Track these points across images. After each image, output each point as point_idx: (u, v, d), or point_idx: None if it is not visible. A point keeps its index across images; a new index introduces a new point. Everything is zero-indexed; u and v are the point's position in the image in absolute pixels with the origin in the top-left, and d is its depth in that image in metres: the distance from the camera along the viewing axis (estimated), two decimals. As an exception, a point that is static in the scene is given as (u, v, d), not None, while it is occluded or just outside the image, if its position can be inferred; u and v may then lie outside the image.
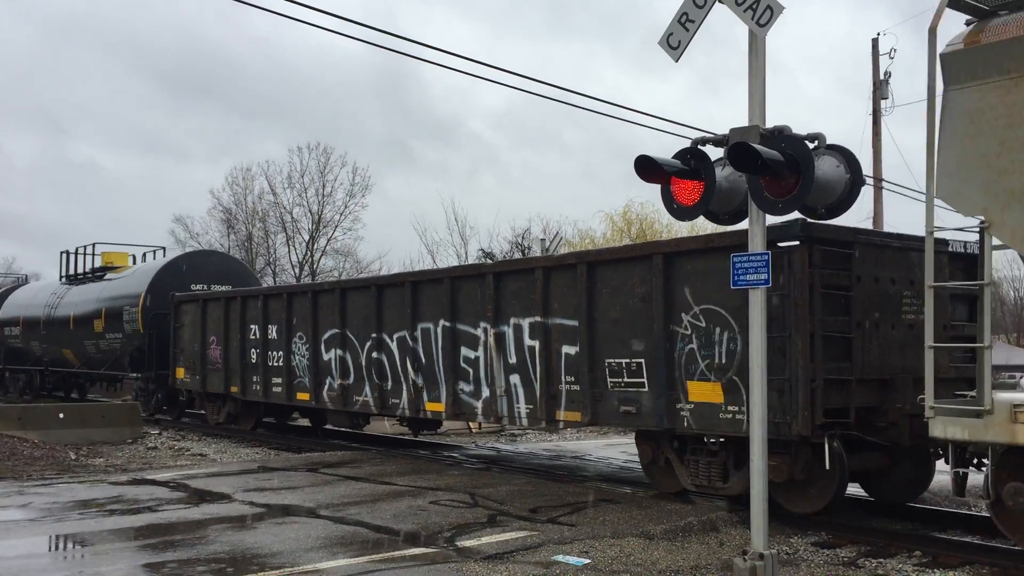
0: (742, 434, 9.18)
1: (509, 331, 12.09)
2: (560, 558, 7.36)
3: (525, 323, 11.88)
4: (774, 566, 6.25)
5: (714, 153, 6.78)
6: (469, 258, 38.65)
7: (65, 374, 27.28)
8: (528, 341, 11.83)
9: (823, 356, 8.88)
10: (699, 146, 6.74)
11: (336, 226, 47.79)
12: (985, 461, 7.82)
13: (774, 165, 6.14)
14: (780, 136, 6.33)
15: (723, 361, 9.65)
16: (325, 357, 15.51)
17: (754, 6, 6.26)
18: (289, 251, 48.37)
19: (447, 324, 12.96)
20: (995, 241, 7.57)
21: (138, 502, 10.13)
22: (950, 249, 9.77)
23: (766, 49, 6.57)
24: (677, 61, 6.91)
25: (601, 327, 10.88)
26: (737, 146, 6.14)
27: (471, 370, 12.68)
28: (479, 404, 12.62)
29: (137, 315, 22.26)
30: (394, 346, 14.00)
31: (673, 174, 6.68)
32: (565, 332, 11.32)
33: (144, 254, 26.35)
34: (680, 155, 6.73)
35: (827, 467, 8.81)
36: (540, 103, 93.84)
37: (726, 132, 6.63)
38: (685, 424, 9.99)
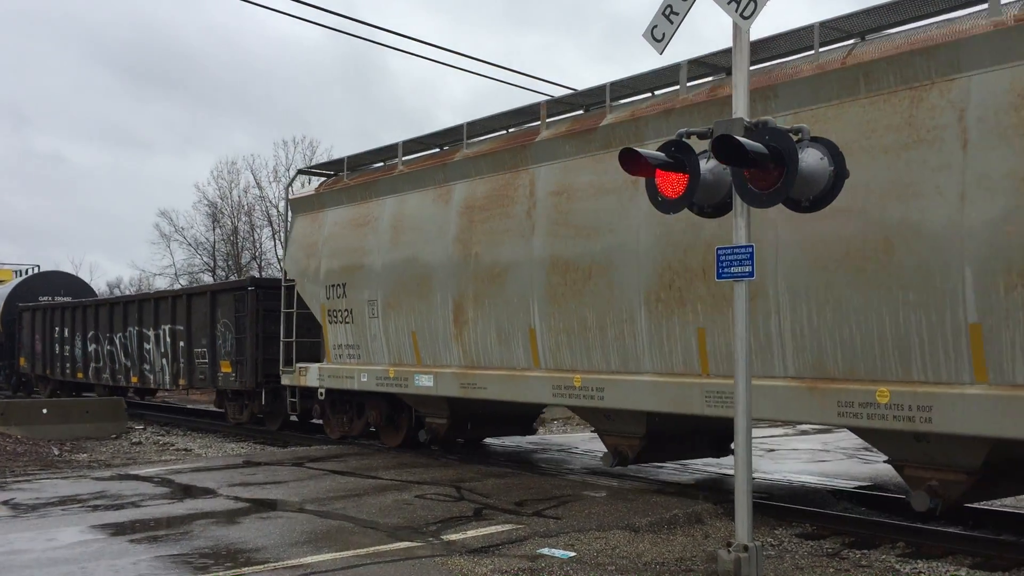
0: (238, 388, 18.03)
1: (161, 332, 20.79)
2: (546, 551, 7.35)
3: (167, 328, 20.56)
4: (759, 558, 6.27)
5: (699, 146, 6.78)
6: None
7: None
8: (167, 339, 20.51)
9: (264, 347, 17.20)
10: (684, 138, 6.73)
11: (322, 219, 47.67)
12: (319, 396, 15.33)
13: (758, 158, 6.13)
14: (764, 129, 6.32)
15: (230, 349, 18.03)
16: (89, 349, 24.36)
17: (738, -2, 6.26)
18: (275, 245, 48.23)
19: (138, 328, 21.90)
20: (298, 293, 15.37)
21: (122, 497, 10.07)
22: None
23: (749, 38, 6.57)
24: (661, 53, 6.92)
25: (193, 330, 19.40)
26: (721, 139, 6.13)
27: (148, 356, 21.55)
28: (152, 376, 21.52)
29: None
30: (118, 342, 22.86)
31: (657, 167, 6.66)
32: (180, 333, 19.87)
33: (26, 270, 36.17)
34: (664, 147, 6.71)
35: (263, 404, 17.50)
36: (505, 94, 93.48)
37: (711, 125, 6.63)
38: (221, 384, 18.63)
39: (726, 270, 6.50)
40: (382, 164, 14.37)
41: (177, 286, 44.01)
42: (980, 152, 7.05)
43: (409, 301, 12.79)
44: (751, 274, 6.39)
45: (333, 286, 14.35)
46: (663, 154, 6.66)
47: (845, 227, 7.83)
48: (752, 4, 6.26)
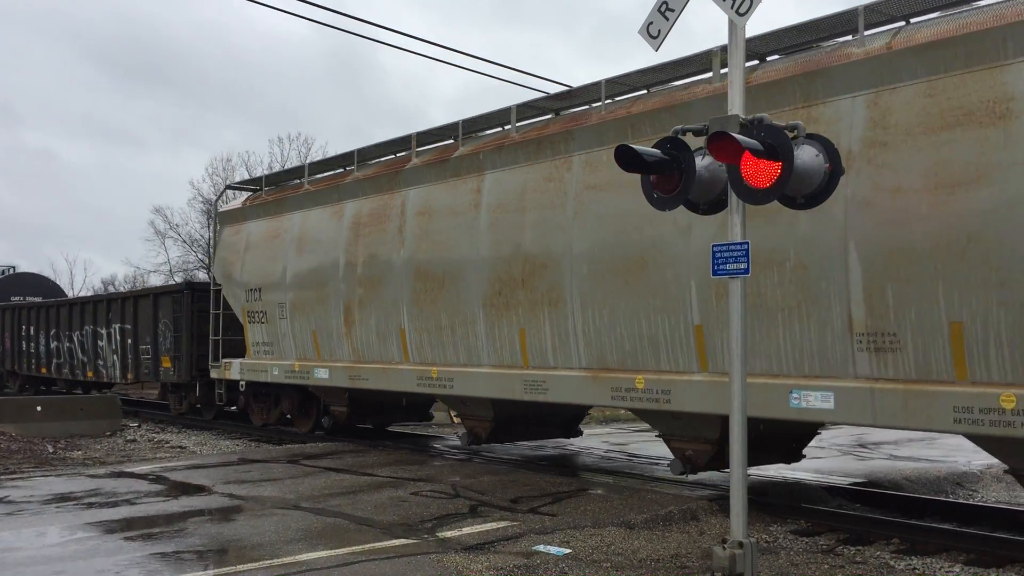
0: (176, 381, 19.88)
1: (113, 331, 22.43)
2: (541, 548, 7.36)
3: (117, 327, 22.18)
4: (753, 555, 6.28)
5: (694, 143, 6.76)
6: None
7: None
8: (117, 337, 22.17)
9: (198, 344, 18.66)
10: (679, 135, 6.72)
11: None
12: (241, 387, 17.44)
13: (754, 155, 6.12)
14: (760, 125, 6.31)
15: (169, 346, 19.72)
16: (51, 346, 25.90)
17: (733, -5, 6.26)
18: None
19: (93, 327, 23.49)
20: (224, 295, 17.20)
21: (116, 495, 10.06)
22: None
23: (745, 36, 6.56)
24: (657, 50, 6.90)
25: (139, 330, 21.13)
26: (717, 135, 6.12)
27: (102, 353, 23.06)
28: (105, 371, 22.91)
29: None
30: (76, 340, 24.40)
31: (653, 163, 6.65)
32: (128, 331, 21.52)
33: (2, 271, 38.75)
34: (660, 144, 6.69)
35: (198, 395, 19.36)
36: (495, 90, 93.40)
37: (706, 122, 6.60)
38: (162, 378, 20.44)
39: (721, 267, 6.47)
40: (297, 182, 16.12)
41: (172, 282, 44.25)
42: None
43: (311, 304, 14.79)
44: (746, 271, 6.36)
45: (252, 290, 16.27)
46: (659, 151, 6.65)
47: (616, 246, 9.72)
48: (748, 1, 6.25)
